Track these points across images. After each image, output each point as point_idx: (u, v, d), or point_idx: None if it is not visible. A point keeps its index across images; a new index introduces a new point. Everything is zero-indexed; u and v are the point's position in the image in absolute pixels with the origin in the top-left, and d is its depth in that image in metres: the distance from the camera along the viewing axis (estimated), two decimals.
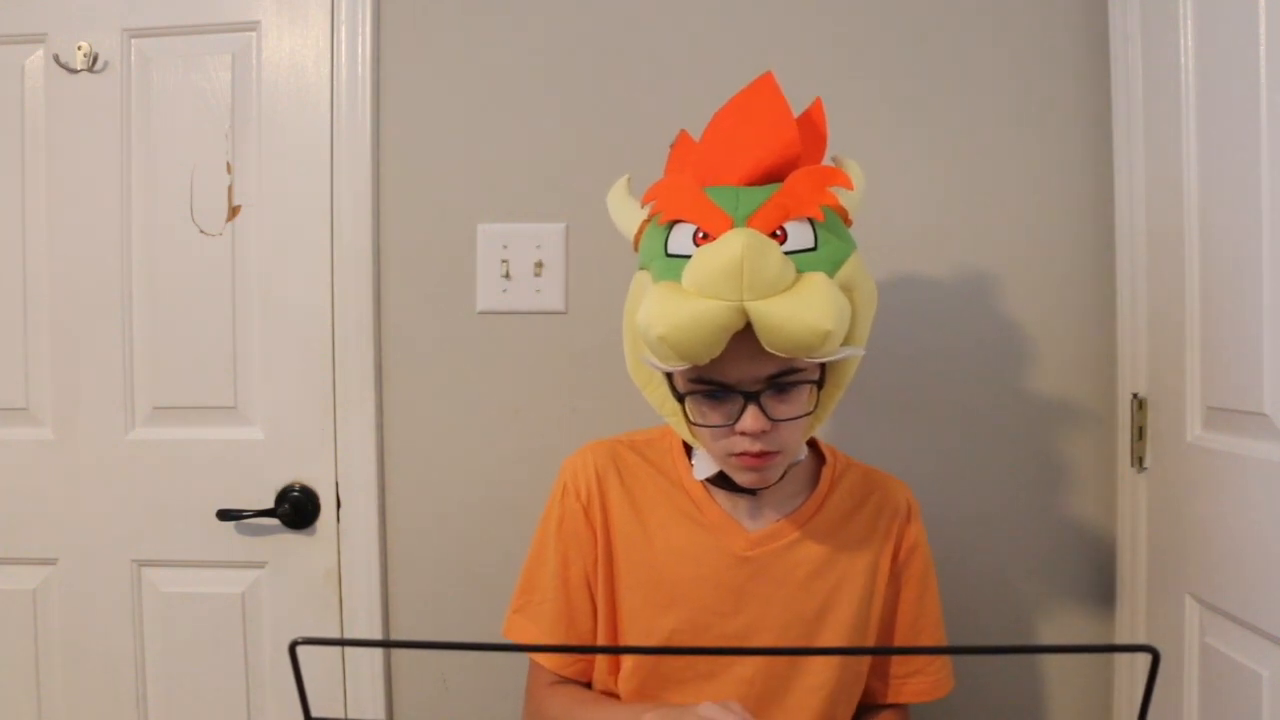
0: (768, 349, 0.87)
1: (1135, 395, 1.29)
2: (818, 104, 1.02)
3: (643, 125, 1.42)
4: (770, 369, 0.91)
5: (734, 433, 0.94)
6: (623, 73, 1.44)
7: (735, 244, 0.84)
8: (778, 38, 1.41)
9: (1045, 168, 1.38)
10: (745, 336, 0.88)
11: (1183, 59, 1.14)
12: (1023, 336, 1.39)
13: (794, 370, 0.93)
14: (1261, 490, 1.00)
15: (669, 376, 0.99)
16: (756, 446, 0.94)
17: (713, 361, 0.89)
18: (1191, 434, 1.16)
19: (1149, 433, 1.27)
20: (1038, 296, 1.39)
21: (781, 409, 0.94)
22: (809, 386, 0.95)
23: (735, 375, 0.92)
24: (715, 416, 0.95)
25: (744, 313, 0.85)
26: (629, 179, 1.07)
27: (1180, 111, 1.15)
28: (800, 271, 0.89)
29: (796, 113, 0.97)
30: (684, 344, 0.86)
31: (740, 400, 0.93)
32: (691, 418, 0.98)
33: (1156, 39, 1.22)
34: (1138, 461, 1.29)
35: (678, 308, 0.86)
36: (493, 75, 1.46)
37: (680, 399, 0.98)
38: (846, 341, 0.93)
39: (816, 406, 0.99)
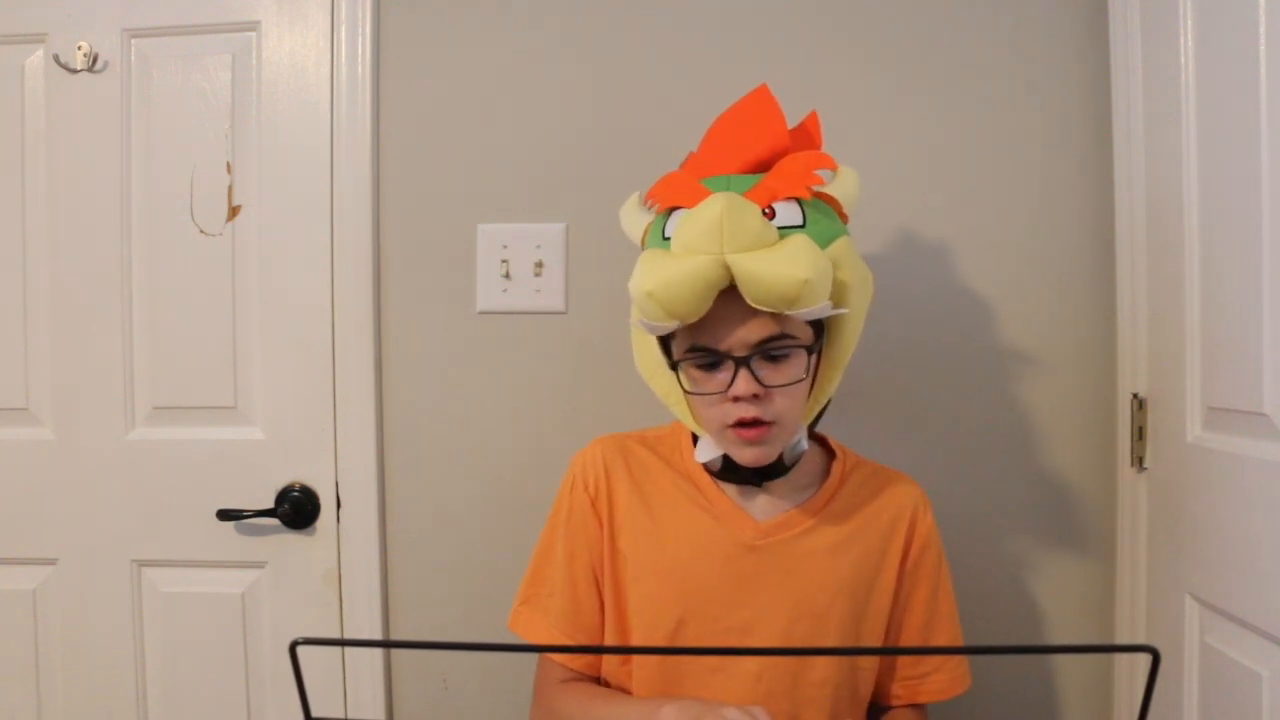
0: (750, 303, 0.91)
1: (1135, 395, 1.29)
2: (812, 117, 1.08)
3: (643, 125, 1.43)
4: (760, 333, 0.94)
5: (728, 400, 0.96)
6: (623, 72, 1.44)
7: (716, 204, 0.91)
8: (777, 41, 1.41)
9: (1045, 168, 1.38)
10: (734, 301, 0.92)
11: (1183, 59, 1.14)
12: (1023, 336, 1.39)
13: (785, 336, 0.95)
14: (1261, 490, 1.00)
15: (665, 349, 1.02)
16: (750, 413, 0.95)
17: (703, 327, 0.94)
18: (1191, 434, 1.15)
19: (1149, 433, 1.27)
20: (1038, 296, 1.39)
21: (774, 375, 0.96)
22: (801, 353, 0.97)
23: (726, 341, 0.95)
24: (709, 384, 0.98)
25: (725, 266, 0.90)
26: (640, 195, 1.10)
27: (1180, 111, 1.15)
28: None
29: (793, 118, 1.02)
30: (672, 300, 0.91)
31: (732, 366, 0.95)
32: (686, 386, 1.00)
33: (1156, 39, 1.22)
34: (1138, 461, 1.29)
35: (664, 266, 0.92)
36: (492, 75, 1.46)
37: (675, 368, 1.00)
38: (837, 308, 0.96)
39: (814, 378, 1.00)
